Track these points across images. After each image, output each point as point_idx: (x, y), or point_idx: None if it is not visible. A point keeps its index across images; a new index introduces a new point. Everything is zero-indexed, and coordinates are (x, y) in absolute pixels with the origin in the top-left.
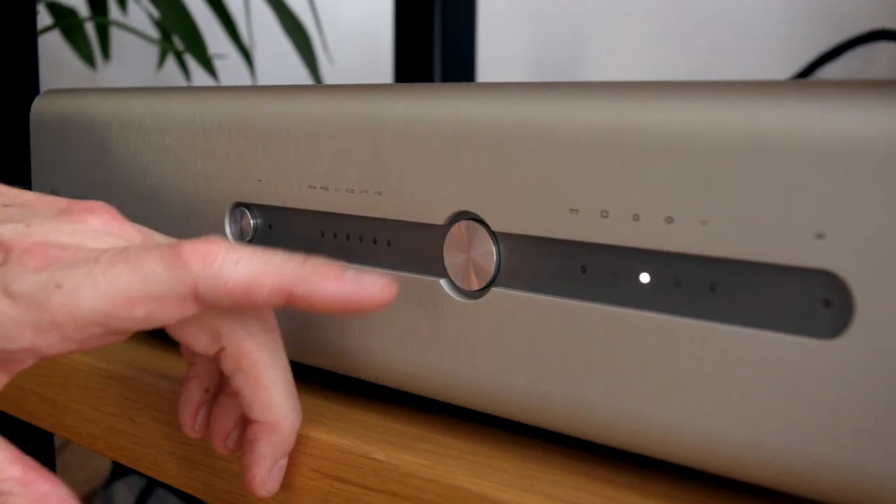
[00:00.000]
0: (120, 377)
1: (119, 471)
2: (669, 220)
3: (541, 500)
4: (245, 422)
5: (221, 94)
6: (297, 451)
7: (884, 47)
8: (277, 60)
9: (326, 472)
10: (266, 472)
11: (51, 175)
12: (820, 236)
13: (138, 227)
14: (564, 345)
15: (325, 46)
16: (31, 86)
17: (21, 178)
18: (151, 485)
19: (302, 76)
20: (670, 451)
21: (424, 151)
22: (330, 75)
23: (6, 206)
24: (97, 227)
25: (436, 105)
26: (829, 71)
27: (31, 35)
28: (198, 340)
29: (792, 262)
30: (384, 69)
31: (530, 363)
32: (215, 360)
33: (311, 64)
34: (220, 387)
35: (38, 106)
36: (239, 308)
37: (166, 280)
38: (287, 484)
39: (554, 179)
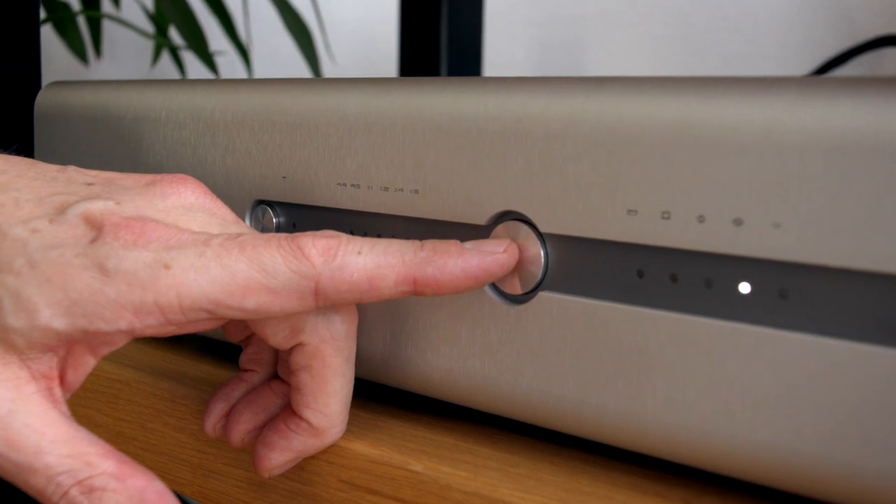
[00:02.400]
0: (131, 381)
1: None
2: (738, 222)
3: None
4: (271, 421)
5: (243, 86)
6: (325, 461)
7: (891, 53)
8: (274, 58)
9: (357, 483)
10: (284, 462)
11: None
12: None
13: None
14: (618, 353)
15: (326, 45)
16: (33, 78)
17: None
18: None
19: (299, 74)
20: (732, 467)
21: (467, 147)
22: (331, 74)
23: (89, 184)
24: (190, 200)
25: (480, 99)
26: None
27: (33, 26)
28: (276, 334)
29: (873, 267)
30: (386, 68)
31: (580, 372)
32: (281, 354)
33: (313, 62)
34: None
35: (43, 99)
36: (360, 302)
37: (287, 273)
38: (314, 496)
39: (610, 178)
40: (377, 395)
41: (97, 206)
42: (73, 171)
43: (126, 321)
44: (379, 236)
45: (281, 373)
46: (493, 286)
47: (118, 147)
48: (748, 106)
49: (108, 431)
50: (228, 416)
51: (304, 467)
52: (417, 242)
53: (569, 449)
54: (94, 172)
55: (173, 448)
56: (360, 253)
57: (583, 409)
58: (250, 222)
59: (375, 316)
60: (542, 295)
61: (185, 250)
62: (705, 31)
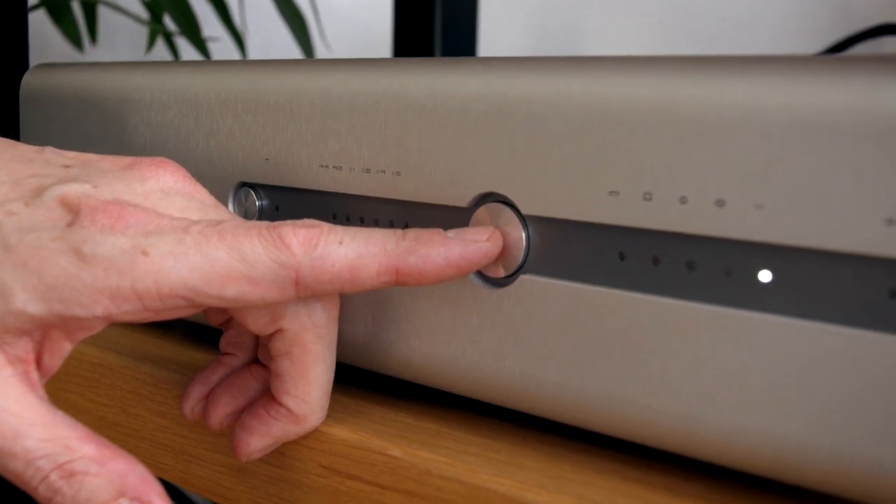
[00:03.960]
0: (113, 366)
1: None
2: (720, 203)
3: (573, 502)
4: (250, 406)
5: (227, 67)
6: (306, 446)
7: (890, 42)
8: (269, 44)
9: (337, 468)
10: (263, 447)
11: None
12: (890, 222)
13: (206, 190)
14: (600, 336)
15: (321, 32)
16: (20, 60)
17: None
18: None
19: None
20: (714, 453)
21: (448, 129)
22: None
23: (67, 166)
24: (168, 184)
25: (461, 80)
26: None
27: (21, 6)
28: (256, 320)
29: (856, 249)
30: (380, 54)
31: (561, 356)
32: (262, 339)
33: (307, 48)
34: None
35: (29, 80)
36: (342, 292)
37: (267, 262)
38: (294, 481)
39: (592, 159)
40: (358, 380)
41: (74, 190)
42: (50, 153)
43: (102, 307)
44: (361, 219)
45: (261, 357)
46: None
47: (103, 129)
48: (731, 86)
49: (89, 416)
50: (207, 399)
51: (284, 452)
52: (400, 232)
53: (550, 434)
54: (72, 154)
55: (155, 433)
56: (341, 243)
57: (564, 393)
58: (233, 205)
59: (357, 300)
60: (524, 278)
61: (164, 236)
62: (703, 18)
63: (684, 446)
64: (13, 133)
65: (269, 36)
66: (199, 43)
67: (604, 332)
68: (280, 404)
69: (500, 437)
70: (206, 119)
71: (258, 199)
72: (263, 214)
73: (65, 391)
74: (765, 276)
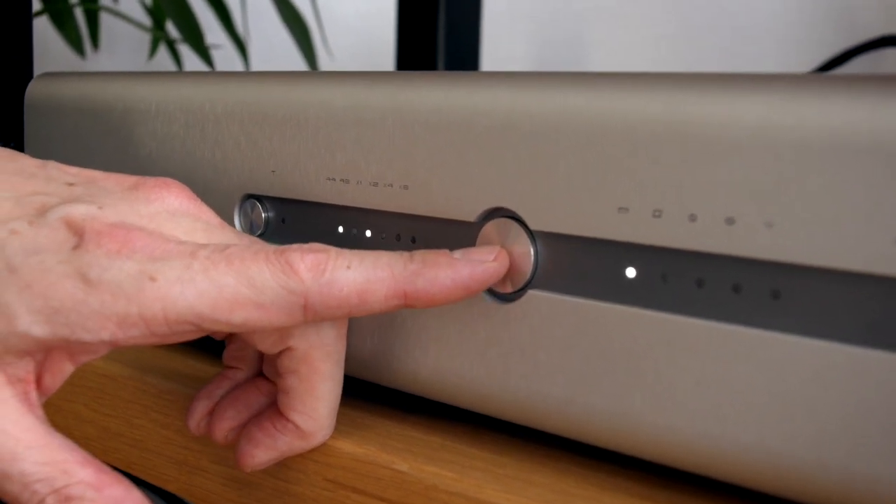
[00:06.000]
0: (118, 377)
1: None
2: (730, 221)
3: None
4: (256, 417)
5: (234, 79)
6: (311, 460)
7: (892, 53)
8: (271, 53)
9: (343, 482)
10: (268, 460)
11: None
12: None
13: (211, 210)
14: (607, 353)
15: (324, 39)
16: (25, 69)
17: None
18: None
19: (296, 69)
20: (721, 470)
21: (457, 143)
22: (328, 69)
23: (70, 184)
24: (174, 206)
25: (470, 94)
26: None
27: (26, 15)
28: (264, 339)
29: (866, 269)
30: (383, 63)
31: (568, 372)
32: (269, 357)
33: (310, 56)
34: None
35: (34, 90)
36: (350, 316)
37: (275, 287)
38: (299, 494)
39: (601, 175)
40: (364, 394)
41: (79, 211)
42: (53, 168)
43: (109, 332)
44: (368, 233)
45: (267, 372)
46: None
47: (108, 139)
48: (741, 103)
49: (93, 426)
50: (212, 413)
51: (289, 466)
52: (406, 254)
53: (557, 450)
54: (74, 170)
55: (159, 444)
56: (349, 267)
57: (571, 409)
58: (239, 217)
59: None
60: (532, 293)
61: (172, 262)
62: (706, 29)
63: (691, 463)
64: (17, 142)
65: (271, 44)
66: (202, 50)
67: (611, 349)
68: (287, 420)
69: (506, 452)
70: (213, 131)
71: (264, 212)
72: (269, 226)
73: (69, 401)
74: (772, 294)
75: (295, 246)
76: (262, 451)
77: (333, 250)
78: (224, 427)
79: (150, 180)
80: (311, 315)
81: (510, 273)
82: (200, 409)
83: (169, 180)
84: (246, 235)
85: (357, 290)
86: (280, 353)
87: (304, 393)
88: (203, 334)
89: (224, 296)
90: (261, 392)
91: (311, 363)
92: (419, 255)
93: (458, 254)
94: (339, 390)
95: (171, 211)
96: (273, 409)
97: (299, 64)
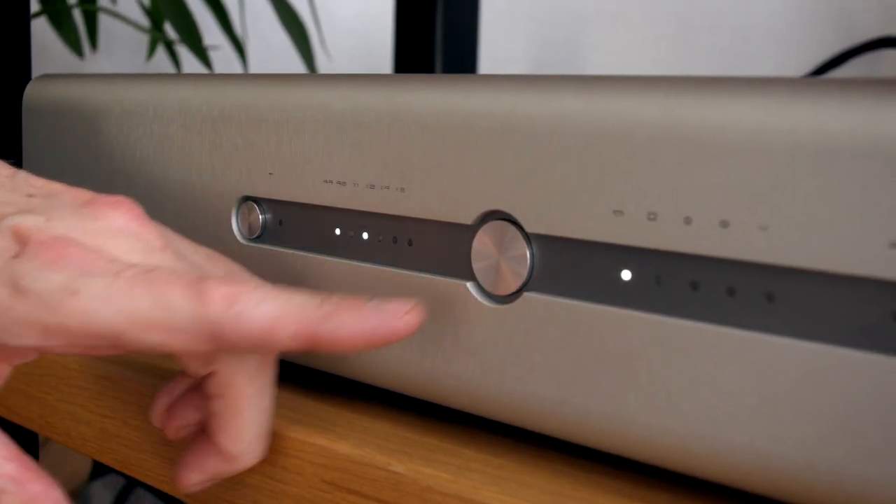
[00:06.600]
0: (115, 378)
1: (99, 470)
2: (725, 224)
3: None
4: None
5: (231, 81)
6: (307, 461)
7: (889, 54)
8: (269, 54)
9: (339, 483)
10: (200, 482)
11: (44, 165)
12: (894, 245)
13: (161, 228)
14: (602, 355)
15: (321, 41)
16: (23, 70)
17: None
18: (130, 484)
19: (294, 70)
20: (716, 472)
21: (454, 146)
22: (326, 70)
23: (30, 196)
24: (119, 224)
25: (467, 97)
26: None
27: (24, 17)
28: (189, 361)
29: (860, 272)
30: (381, 64)
31: (564, 373)
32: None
33: (308, 58)
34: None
35: (32, 91)
36: (257, 351)
37: (187, 314)
38: (296, 496)
39: (597, 178)
40: (360, 395)
41: (28, 222)
42: (21, 179)
43: (33, 339)
44: (365, 235)
45: (203, 392)
46: (479, 286)
47: (106, 141)
48: (737, 106)
49: (91, 427)
50: (168, 410)
51: (286, 467)
52: (320, 297)
53: (552, 451)
54: (40, 183)
55: (156, 445)
56: (261, 302)
57: (566, 410)
58: (237, 219)
59: None
60: (528, 296)
61: (97, 278)
62: (703, 30)
63: (685, 465)
64: (16, 144)
65: (269, 45)
66: (200, 51)
67: (606, 351)
68: (215, 443)
69: (502, 454)
70: (210, 133)
71: (262, 214)
72: (268, 229)
73: (66, 402)
74: (767, 296)
75: (216, 276)
76: (195, 474)
77: (251, 284)
78: (174, 426)
79: (104, 198)
80: (220, 344)
81: (506, 275)
82: (160, 404)
83: (122, 199)
84: (187, 260)
85: (266, 326)
86: (206, 376)
87: (230, 417)
88: (125, 350)
89: (139, 316)
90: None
91: (235, 388)
92: (333, 299)
93: (374, 303)
94: (265, 416)
95: (115, 229)
96: (205, 433)
97: (297, 65)
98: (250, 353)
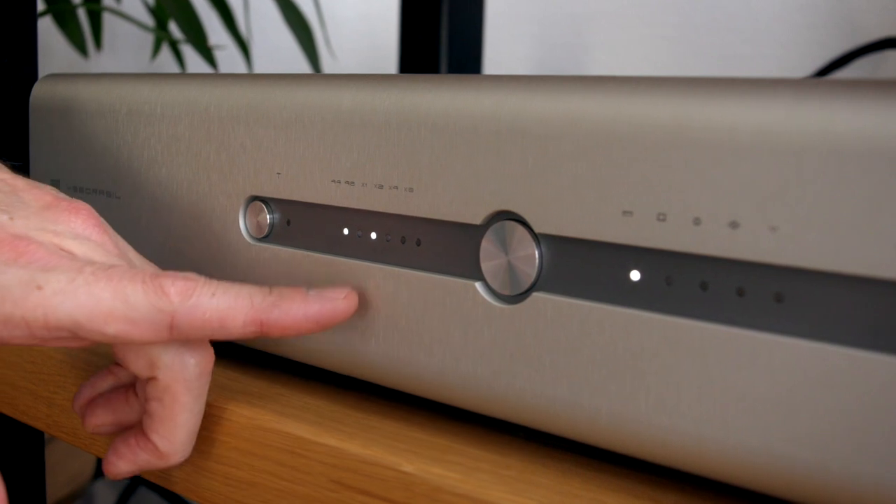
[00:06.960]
0: None
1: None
2: (734, 224)
3: None
4: (123, 433)
5: (239, 81)
6: (317, 461)
7: (893, 55)
8: (274, 53)
9: (348, 483)
10: (128, 471)
11: (51, 164)
12: None
13: (116, 237)
14: (612, 355)
15: (326, 41)
16: (30, 70)
17: (20, 168)
18: (134, 483)
19: (299, 70)
20: (725, 472)
21: (462, 146)
22: (331, 70)
23: None
24: (78, 229)
25: (476, 98)
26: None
27: (30, 17)
28: (134, 363)
29: (869, 272)
30: (386, 65)
31: (573, 374)
32: (140, 381)
33: (313, 57)
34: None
35: (39, 91)
36: (211, 339)
37: (146, 306)
38: (304, 495)
39: (606, 179)
40: (370, 395)
41: None
42: None
43: None
44: (373, 235)
45: (139, 393)
46: (487, 286)
47: (113, 141)
48: (746, 108)
49: None
50: (88, 404)
51: (295, 466)
52: (266, 288)
53: (561, 451)
54: (10, 179)
55: None
56: (213, 295)
57: (575, 411)
58: (244, 218)
59: (368, 316)
60: (536, 296)
61: (59, 274)
62: (707, 31)
63: (694, 465)
64: (22, 143)
65: (274, 45)
66: (205, 51)
67: (615, 351)
68: (148, 440)
69: (511, 454)
70: (218, 132)
71: (269, 213)
72: (275, 228)
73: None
74: (776, 297)
75: (169, 272)
76: (124, 464)
77: (203, 279)
78: (93, 422)
79: (64, 202)
80: (177, 333)
81: (515, 275)
82: (83, 396)
83: (80, 206)
84: (139, 263)
85: (219, 315)
86: (148, 380)
87: (166, 419)
88: (83, 343)
89: (100, 308)
90: (130, 404)
91: (173, 394)
92: (277, 290)
93: (313, 292)
94: (196, 420)
95: (74, 234)
96: (139, 427)
97: (302, 64)
98: (205, 359)
